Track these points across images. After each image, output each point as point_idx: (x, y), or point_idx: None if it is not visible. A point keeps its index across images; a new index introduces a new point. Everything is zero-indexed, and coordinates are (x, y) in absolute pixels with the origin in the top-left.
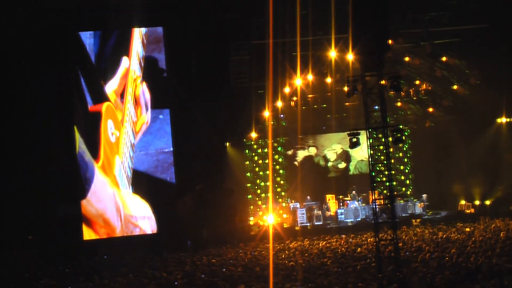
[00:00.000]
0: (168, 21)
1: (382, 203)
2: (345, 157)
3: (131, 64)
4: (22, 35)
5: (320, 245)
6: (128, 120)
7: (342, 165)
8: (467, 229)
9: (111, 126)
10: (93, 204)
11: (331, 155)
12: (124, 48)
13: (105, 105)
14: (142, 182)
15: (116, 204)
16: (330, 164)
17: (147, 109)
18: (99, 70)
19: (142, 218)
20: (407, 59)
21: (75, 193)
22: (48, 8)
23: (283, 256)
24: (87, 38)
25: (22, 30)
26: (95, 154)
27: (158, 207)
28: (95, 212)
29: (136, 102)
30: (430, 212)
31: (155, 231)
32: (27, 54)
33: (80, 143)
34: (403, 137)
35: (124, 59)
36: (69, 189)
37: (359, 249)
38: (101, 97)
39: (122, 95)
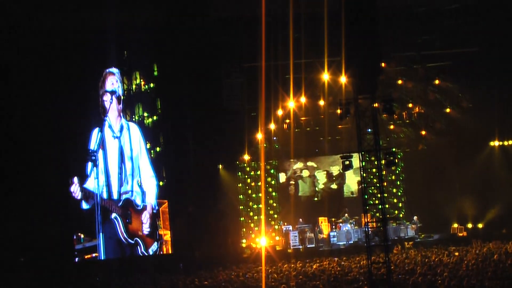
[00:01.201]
0: (160, 43)
1: (375, 226)
2: (341, 178)
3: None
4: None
5: (313, 267)
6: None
7: (334, 185)
8: (456, 253)
9: None
10: None
11: (321, 177)
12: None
13: None
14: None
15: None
16: (321, 186)
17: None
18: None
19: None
20: (399, 82)
21: (67, 214)
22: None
23: (275, 278)
24: None
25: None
26: None
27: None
28: None
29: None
30: (423, 235)
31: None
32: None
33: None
34: (396, 160)
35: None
36: (62, 210)
37: (351, 272)
38: None
39: None
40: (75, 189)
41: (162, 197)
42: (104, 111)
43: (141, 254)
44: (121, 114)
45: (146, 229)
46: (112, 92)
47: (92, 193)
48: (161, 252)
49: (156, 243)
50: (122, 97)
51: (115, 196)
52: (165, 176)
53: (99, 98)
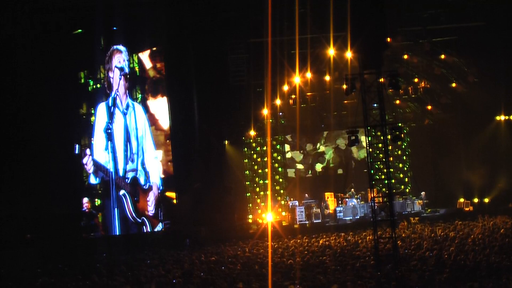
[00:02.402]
0: (166, 19)
1: (381, 201)
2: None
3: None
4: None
5: (319, 243)
6: None
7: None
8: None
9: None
10: None
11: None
12: None
13: None
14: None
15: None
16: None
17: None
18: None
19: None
20: (405, 57)
21: (74, 190)
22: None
23: (281, 254)
24: None
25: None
26: None
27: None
28: None
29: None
30: (429, 210)
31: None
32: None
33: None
34: (402, 135)
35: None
36: (67, 186)
37: (357, 247)
38: None
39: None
40: (88, 161)
41: (168, 174)
42: (109, 86)
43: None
44: (127, 92)
45: (151, 210)
46: (120, 69)
47: (102, 167)
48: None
49: (161, 223)
50: (128, 75)
51: (121, 173)
52: (172, 153)
53: (106, 73)
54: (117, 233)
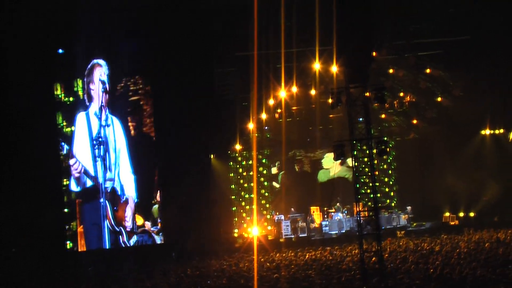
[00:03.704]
0: (151, 34)
1: (367, 215)
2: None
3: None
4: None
5: (305, 257)
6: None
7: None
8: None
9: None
10: None
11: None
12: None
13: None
14: None
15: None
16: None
17: None
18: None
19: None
20: (391, 71)
21: (59, 203)
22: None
23: (267, 268)
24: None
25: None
26: None
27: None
28: None
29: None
30: (415, 224)
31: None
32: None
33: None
34: (388, 149)
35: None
36: (53, 200)
37: (343, 261)
38: None
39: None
40: (77, 166)
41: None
42: (90, 98)
43: (123, 245)
44: (107, 105)
45: (128, 223)
46: (102, 82)
47: (88, 172)
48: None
49: (135, 236)
50: (108, 90)
51: (100, 180)
52: (157, 166)
53: (86, 86)
54: (93, 244)
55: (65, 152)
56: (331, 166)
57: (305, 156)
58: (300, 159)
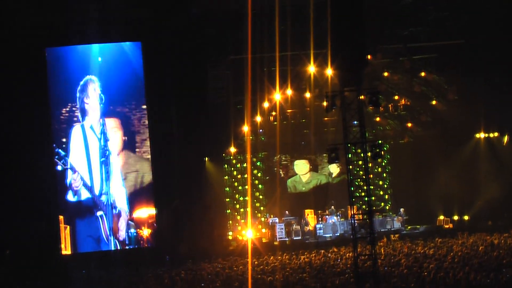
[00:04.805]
0: (145, 36)
1: (361, 218)
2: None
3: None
4: None
5: (299, 260)
6: None
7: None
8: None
9: None
10: None
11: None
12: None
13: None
14: None
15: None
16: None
17: None
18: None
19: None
20: (385, 74)
21: (52, 207)
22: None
23: (261, 271)
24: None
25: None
26: None
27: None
28: None
29: None
30: (409, 227)
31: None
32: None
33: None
34: (382, 152)
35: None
36: (47, 204)
37: (337, 265)
38: None
39: None
40: (76, 178)
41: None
42: (83, 112)
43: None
44: (102, 118)
45: (122, 235)
46: (95, 97)
47: (87, 185)
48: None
49: (130, 246)
50: (102, 103)
51: (96, 193)
52: (151, 169)
53: (80, 100)
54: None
55: (61, 161)
56: (304, 173)
57: (291, 161)
58: (285, 164)
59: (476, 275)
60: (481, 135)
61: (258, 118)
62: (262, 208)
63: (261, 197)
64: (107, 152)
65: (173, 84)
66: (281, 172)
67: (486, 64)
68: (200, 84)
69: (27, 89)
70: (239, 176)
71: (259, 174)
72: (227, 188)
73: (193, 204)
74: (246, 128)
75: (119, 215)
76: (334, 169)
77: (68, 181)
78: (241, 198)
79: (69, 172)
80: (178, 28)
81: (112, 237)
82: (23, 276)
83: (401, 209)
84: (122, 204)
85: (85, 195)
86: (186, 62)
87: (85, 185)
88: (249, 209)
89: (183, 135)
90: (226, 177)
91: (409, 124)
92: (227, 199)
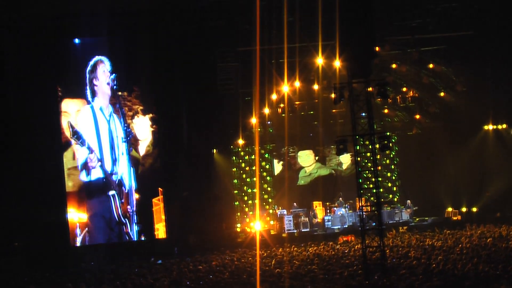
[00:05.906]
0: (154, 28)
1: (369, 210)
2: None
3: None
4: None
5: (308, 252)
6: None
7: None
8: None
9: None
10: None
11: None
12: None
13: None
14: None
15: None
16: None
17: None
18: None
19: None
20: (394, 66)
21: (62, 199)
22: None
23: (270, 263)
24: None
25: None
26: None
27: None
28: None
29: None
30: (417, 219)
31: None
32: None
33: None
34: (390, 144)
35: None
36: (56, 195)
37: (346, 256)
38: None
39: None
40: (93, 158)
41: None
42: (93, 94)
43: (126, 237)
44: (111, 101)
45: (131, 213)
46: (104, 79)
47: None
48: (142, 234)
49: (136, 226)
50: (113, 85)
51: (109, 172)
52: (160, 161)
53: (90, 81)
54: (100, 237)
55: (79, 141)
56: (308, 165)
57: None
58: (293, 156)
59: (485, 266)
60: (490, 126)
61: (266, 110)
62: (270, 200)
63: (269, 189)
64: (115, 133)
65: (182, 75)
66: (281, 163)
67: (495, 55)
68: (209, 76)
69: (39, 74)
70: (247, 168)
71: (267, 166)
72: (235, 180)
73: (202, 196)
74: (254, 120)
75: (128, 194)
76: (345, 159)
77: (81, 161)
78: (249, 190)
79: (85, 151)
80: (186, 20)
81: (122, 214)
82: (32, 267)
83: (408, 201)
84: (131, 183)
85: (96, 174)
86: (195, 53)
87: (101, 165)
88: (257, 201)
89: (192, 126)
90: (235, 169)
91: (417, 116)
92: (235, 191)
